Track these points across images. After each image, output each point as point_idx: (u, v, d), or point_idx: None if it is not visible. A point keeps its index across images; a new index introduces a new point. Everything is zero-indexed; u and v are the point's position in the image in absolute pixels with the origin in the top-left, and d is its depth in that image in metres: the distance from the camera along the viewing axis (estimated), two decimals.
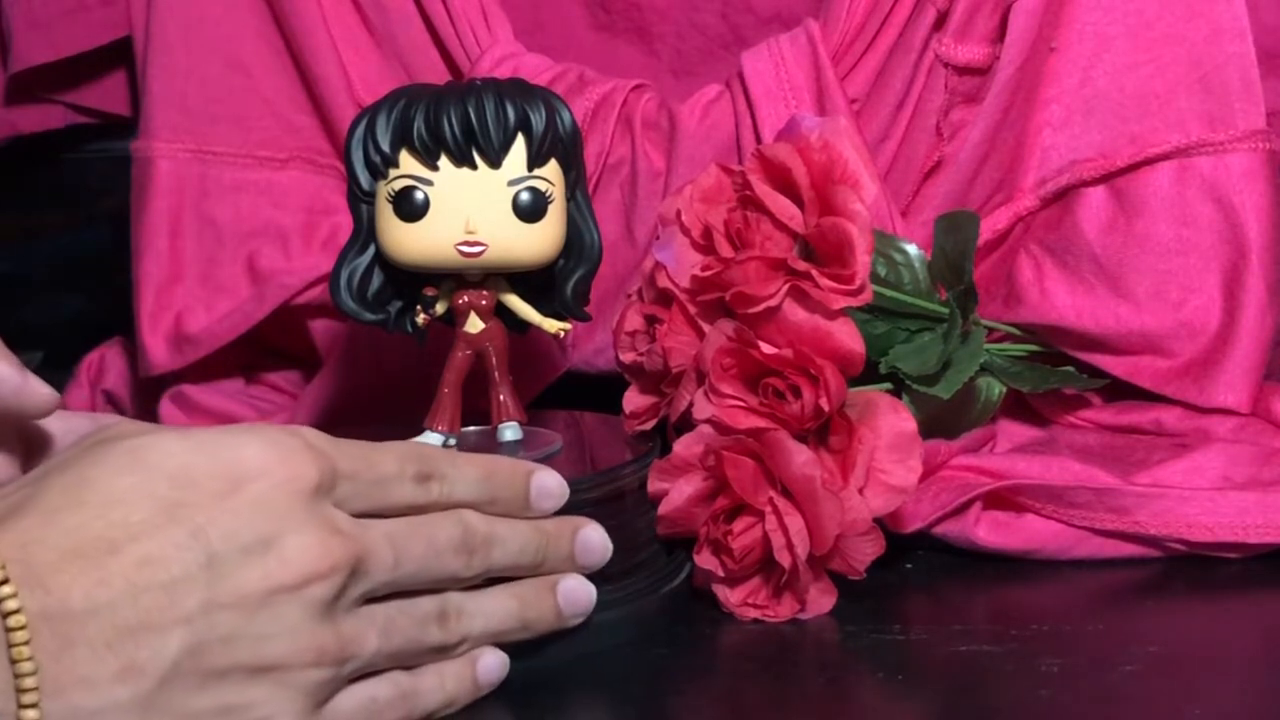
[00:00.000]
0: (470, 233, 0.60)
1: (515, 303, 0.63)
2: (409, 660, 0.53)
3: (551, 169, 0.61)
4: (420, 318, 0.63)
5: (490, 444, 0.64)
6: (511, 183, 0.60)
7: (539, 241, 0.61)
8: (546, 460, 0.62)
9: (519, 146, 0.60)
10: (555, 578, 0.57)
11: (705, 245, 0.63)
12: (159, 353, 0.81)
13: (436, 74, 0.80)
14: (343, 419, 0.78)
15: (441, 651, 0.53)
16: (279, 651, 0.48)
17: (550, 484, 0.57)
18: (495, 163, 0.60)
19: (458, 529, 0.54)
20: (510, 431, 0.64)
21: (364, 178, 0.61)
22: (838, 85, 0.73)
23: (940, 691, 0.55)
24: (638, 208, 0.77)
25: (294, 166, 0.82)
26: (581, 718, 0.55)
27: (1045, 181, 0.75)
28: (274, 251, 0.81)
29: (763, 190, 0.61)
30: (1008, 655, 0.57)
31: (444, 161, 0.60)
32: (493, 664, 0.55)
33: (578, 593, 0.57)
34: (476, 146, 0.60)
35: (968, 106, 0.74)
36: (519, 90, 0.61)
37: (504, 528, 0.55)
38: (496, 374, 0.64)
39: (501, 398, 0.64)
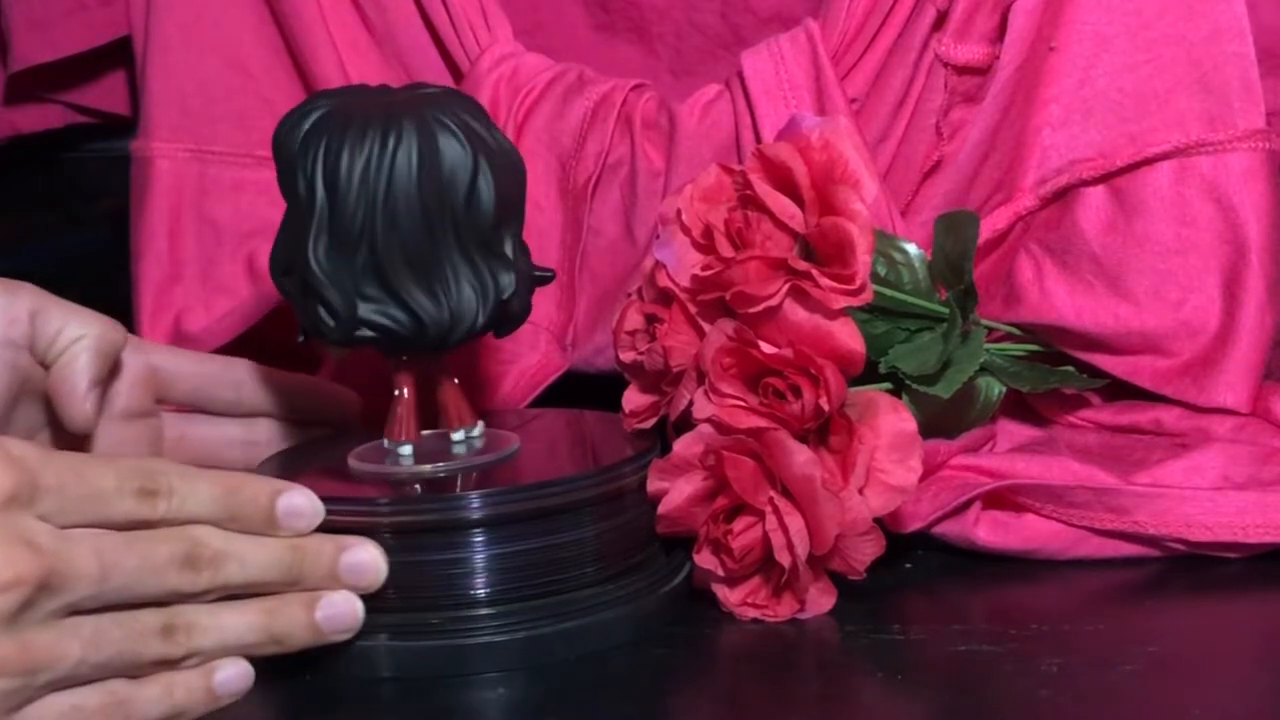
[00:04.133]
0: None
1: None
2: (127, 671, 0.53)
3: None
4: None
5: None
6: None
7: None
8: (500, 463, 0.62)
9: None
10: (315, 594, 0.57)
11: (705, 245, 0.63)
12: None
13: (436, 74, 0.80)
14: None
15: (168, 664, 0.54)
16: None
17: (300, 503, 0.57)
18: None
19: (182, 544, 0.54)
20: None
21: None
22: (837, 85, 0.73)
23: (940, 691, 0.55)
24: (638, 207, 0.77)
25: None
26: (581, 718, 0.55)
27: (1045, 181, 0.75)
28: None
29: (763, 190, 0.61)
30: (1008, 655, 0.57)
31: None
32: (232, 676, 0.55)
33: (341, 608, 0.57)
34: None
35: (967, 106, 0.74)
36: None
37: (245, 545, 0.55)
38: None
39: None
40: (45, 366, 0.64)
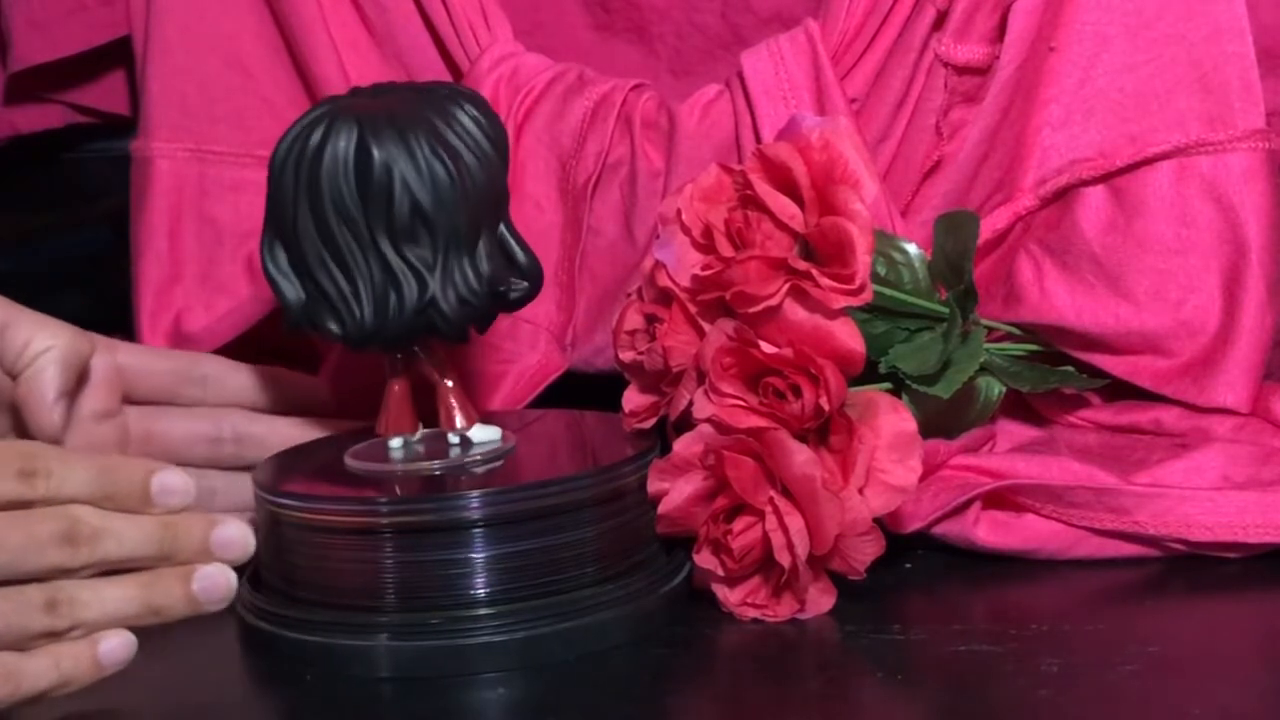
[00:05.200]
0: None
1: None
2: (14, 645, 0.54)
3: None
4: None
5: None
6: None
7: None
8: (499, 463, 0.62)
9: None
10: (191, 567, 0.58)
11: (705, 244, 0.63)
12: None
13: (436, 74, 0.80)
14: (339, 420, 0.78)
15: (53, 636, 0.55)
16: None
17: (172, 482, 0.59)
18: None
19: (62, 522, 0.56)
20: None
21: None
22: (837, 85, 0.73)
23: (940, 691, 0.55)
24: (637, 207, 0.77)
25: None
26: (581, 718, 0.55)
27: (1045, 181, 0.75)
28: None
29: (763, 189, 0.61)
30: (1008, 655, 0.57)
31: None
32: (116, 646, 0.56)
33: (215, 579, 0.58)
34: None
35: (967, 106, 0.74)
36: None
37: (120, 522, 0.57)
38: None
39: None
40: (13, 377, 0.65)
